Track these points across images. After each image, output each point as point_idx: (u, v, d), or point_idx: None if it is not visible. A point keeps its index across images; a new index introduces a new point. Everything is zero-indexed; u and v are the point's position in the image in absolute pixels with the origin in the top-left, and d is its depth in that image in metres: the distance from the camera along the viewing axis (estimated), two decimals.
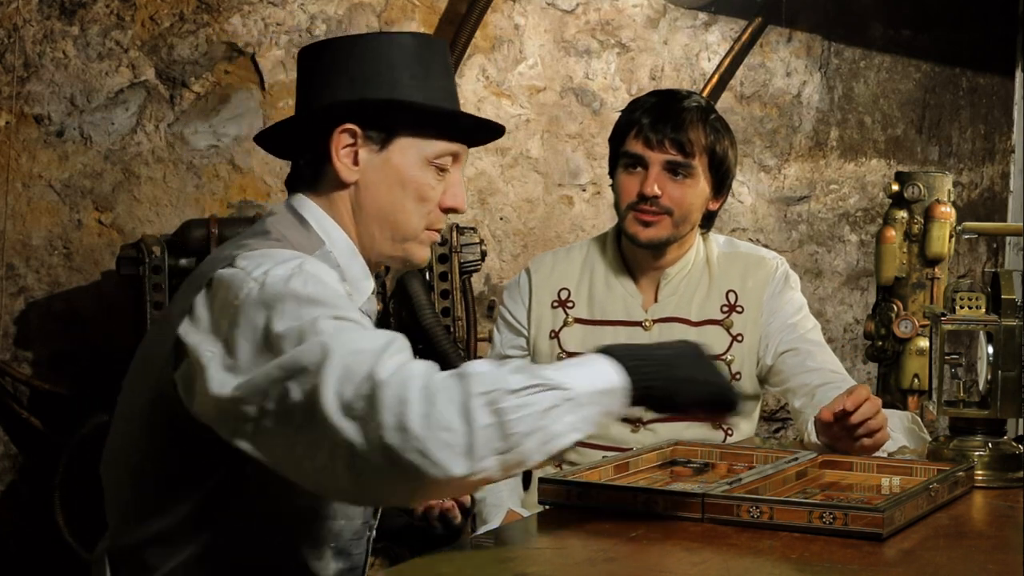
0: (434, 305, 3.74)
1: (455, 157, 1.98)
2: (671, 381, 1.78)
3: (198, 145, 3.90)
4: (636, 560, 1.77)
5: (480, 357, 3.46)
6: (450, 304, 3.78)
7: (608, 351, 1.76)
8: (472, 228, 3.88)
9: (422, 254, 2.01)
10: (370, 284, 1.99)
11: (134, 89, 3.82)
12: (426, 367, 1.67)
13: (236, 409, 1.70)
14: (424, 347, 3.76)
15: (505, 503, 2.73)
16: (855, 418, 2.26)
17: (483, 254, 3.88)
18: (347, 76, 1.92)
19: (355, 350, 1.65)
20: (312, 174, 1.96)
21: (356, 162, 1.93)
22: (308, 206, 1.95)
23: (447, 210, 1.99)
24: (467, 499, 2.25)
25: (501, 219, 4.30)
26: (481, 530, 2.71)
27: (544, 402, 1.64)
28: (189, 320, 1.77)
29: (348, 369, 1.63)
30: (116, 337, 3.73)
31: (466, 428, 1.59)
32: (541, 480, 2.07)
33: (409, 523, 2.27)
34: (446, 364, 3.71)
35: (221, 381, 1.70)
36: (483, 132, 2.05)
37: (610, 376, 1.72)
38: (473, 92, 4.21)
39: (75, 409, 3.71)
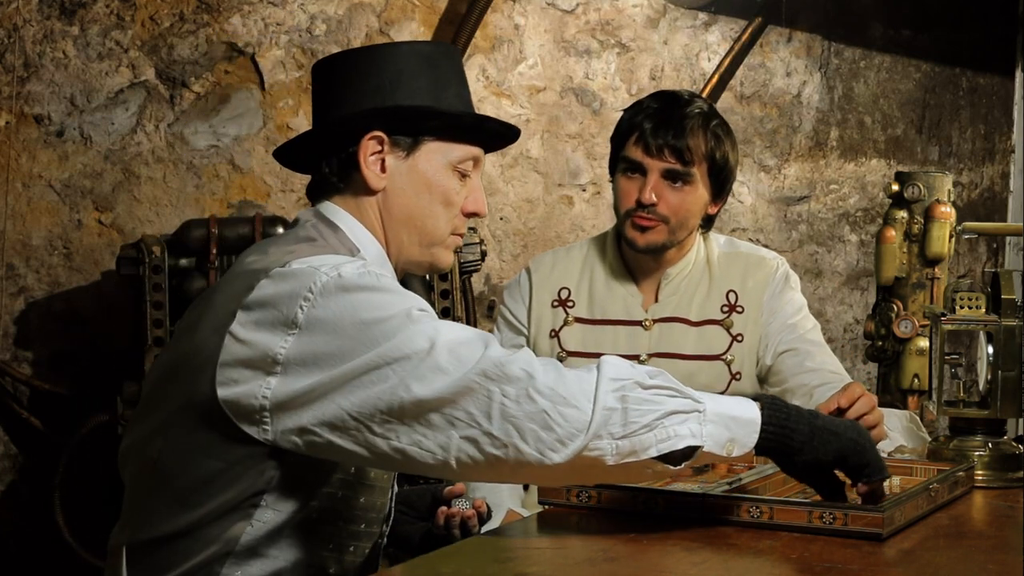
0: (434, 305, 3.74)
1: (475, 162, 2.00)
2: (811, 428, 1.79)
3: (198, 145, 3.90)
4: (636, 560, 1.77)
5: None
6: (450, 304, 3.78)
7: (755, 397, 1.80)
8: (472, 228, 3.88)
9: (448, 259, 2.02)
10: None
11: (134, 89, 3.82)
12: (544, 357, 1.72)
13: (320, 397, 1.70)
14: None
15: (505, 503, 2.73)
16: (850, 415, 2.26)
17: (483, 254, 3.88)
18: (370, 85, 1.93)
19: (459, 338, 1.68)
20: (339, 183, 1.96)
21: (384, 169, 1.94)
22: (339, 213, 1.96)
23: (469, 215, 2.01)
24: (484, 507, 2.26)
25: (501, 219, 4.31)
26: (481, 530, 2.71)
27: (671, 405, 1.69)
28: (247, 316, 1.75)
29: (457, 354, 1.66)
30: (116, 337, 3.72)
31: (590, 406, 1.65)
32: None
33: (429, 530, 2.27)
34: None
35: (299, 373, 1.70)
36: (501, 136, 2.08)
37: (747, 408, 1.76)
38: (473, 92, 4.20)
39: (75, 409, 3.71)
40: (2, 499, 3.79)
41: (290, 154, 2.03)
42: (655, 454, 1.69)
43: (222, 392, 1.75)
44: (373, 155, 1.93)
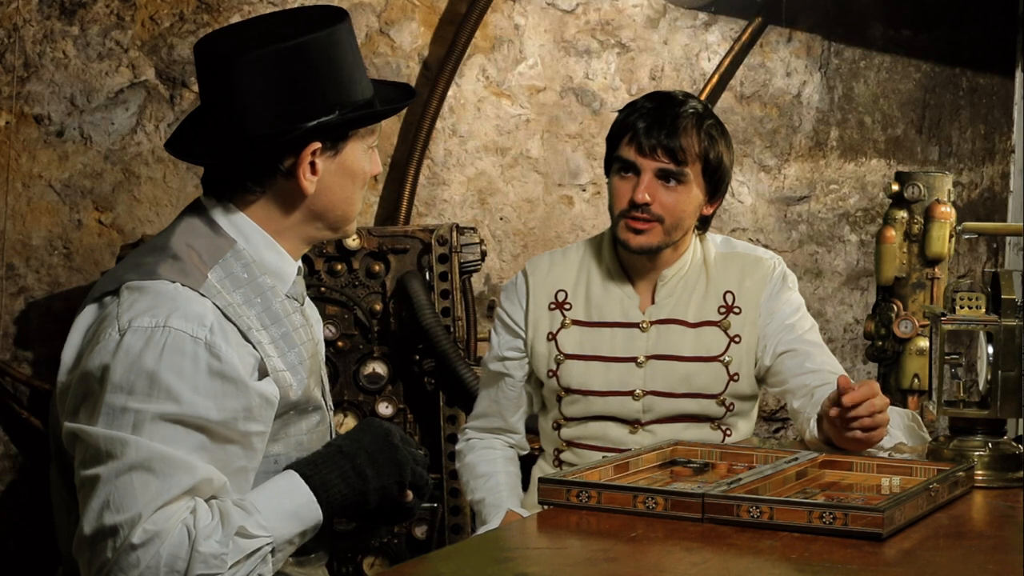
0: (434, 305, 3.74)
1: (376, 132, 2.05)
2: (362, 494, 1.91)
3: None
4: (636, 560, 1.77)
5: (480, 357, 3.46)
6: (450, 304, 3.78)
7: (299, 471, 1.89)
8: (472, 228, 3.88)
9: (354, 228, 2.07)
10: (294, 269, 2.02)
11: (134, 89, 3.83)
12: (173, 551, 1.76)
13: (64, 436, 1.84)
14: (424, 347, 3.77)
15: (505, 503, 2.73)
16: (862, 410, 2.26)
17: (483, 254, 3.88)
18: (285, 96, 1.89)
19: (142, 482, 1.74)
20: (252, 185, 1.95)
21: (315, 172, 1.95)
22: (221, 209, 1.96)
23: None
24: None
25: (501, 219, 4.31)
26: (481, 530, 2.71)
27: (247, 568, 1.79)
28: (71, 338, 1.91)
29: (122, 496, 1.75)
30: None
31: None
32: (541, 480, 2.07)
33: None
34: (446, 364, 3.72)
35: (65, 408, 1.85)
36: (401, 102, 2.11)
37: (301, 497, 1.87)
38: (473, 92, 4.21)
39: None
40: (2, 499, 3.79)
41: (181, 143, 2.01)
42: None
43: None
44: (308, 163, 1.94)
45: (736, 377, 2.73)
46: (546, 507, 2.05)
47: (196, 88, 3.88)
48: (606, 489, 2.01)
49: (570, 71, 4.38)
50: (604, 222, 4.26)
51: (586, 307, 2.79)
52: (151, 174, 3.85)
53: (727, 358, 2.73)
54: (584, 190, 4.41)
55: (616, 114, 2.80)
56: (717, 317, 2.75)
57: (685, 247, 2.77)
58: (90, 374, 1.80)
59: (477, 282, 4.18)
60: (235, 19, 3.91)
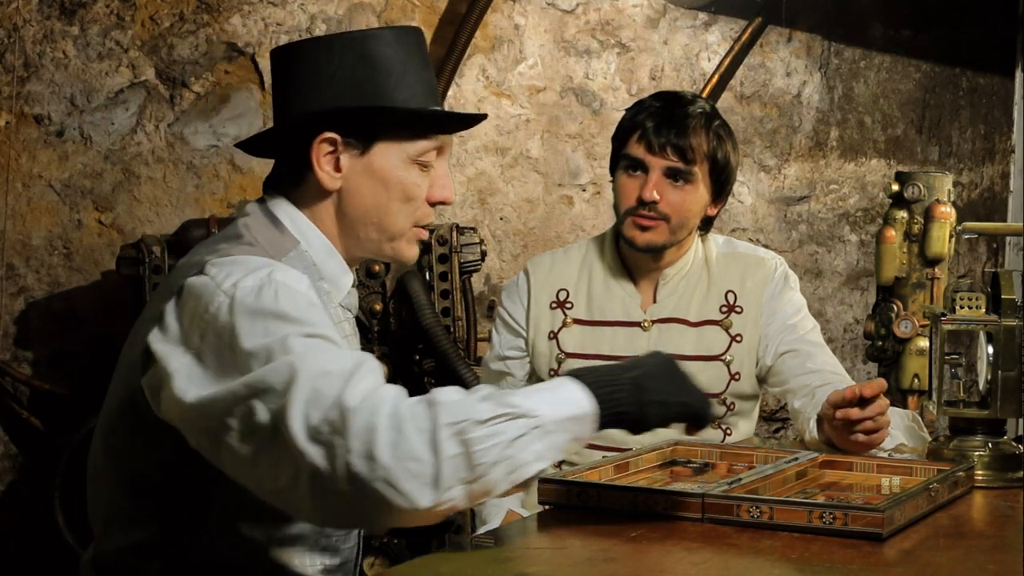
0: (434, 305, 3.74)
1: (439, 151, 1.97)
2: (641, 404, 1.80)
3: (198, 145, 3.90)
4: (636, 560, 1.77)
5: (480, 357, 3.46)
6: (450, 304, 3.78)
7: (578, 376, 1.78)
8: (472, 228, 3.88)
9: (411, 252, 2.00)
10: (349, 280, 1.99)
11: (134, 89, 3.83)
12: (395, 393, 1.66)
13: (200, 420, 1.71)
14: (424, 347, 3.76)
15: (505, 503, 2.73)
16: (868, 412, 2.26)
17: (483, 254, 3.88)
18: (323, 81, 1.90)
19: (324, 372, 1.65)
20: (292, 180, 1.95)
21: (338, 168, 1.91)
22: (283, 206, 1.94)
23: (435, 203, 1.98)
24: None
25: (501, 219, 4.31)
26: (481, 530, 2.71)
27: (512, 431, 1.65)
28: (159, 328, 1.77)
29: (316, 392, 1.64)
30: (116, 337, 3.70)
31: (433, 459, 1.60)
32: (541, 480, 2.07)
33: None
34: (446, 364, 3.72)
35: (186, 392, 1.71)
36: (463, 122, 2.06)
37: (579, 402, 1.74)
38: (473, 92, 4.21)
39: (75, 409, 3.71)
40: (2, 499, 3.79)
41: (256, 142, 2.02)
42: (507, 487, 1.67)
43: (148, 398, 1.78)
44: (326, 155, 1.90)
45: (737, 376, 2.73)
46: (546, 507, 2.05)
47: (196, 88, 3.89)
48: (606, 489, 2.01)
49: (570, 71, 4.38)
50: (604, 222, 4.26)
51: (587, 306, 2.79)
52: (151, 174, 3.85)
53: (728, 357, 2.73)
54: (584, 190, 4.41)
55: (617, 114, 2.80)
56: (719, 316, 2.75)
57: (688, 246, 2.78)
58: (215, 342, 1.71)
59: (477, 282, 4.18)
60: (235, 19, 3.91)
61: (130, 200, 3.83)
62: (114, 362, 1.92)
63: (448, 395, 1.66)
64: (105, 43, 3.78)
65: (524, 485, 1.70)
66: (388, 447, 1.60)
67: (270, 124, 3.96)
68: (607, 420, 1.76)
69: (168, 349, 1.75)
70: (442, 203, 1.98)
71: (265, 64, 3.94)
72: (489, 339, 2.93)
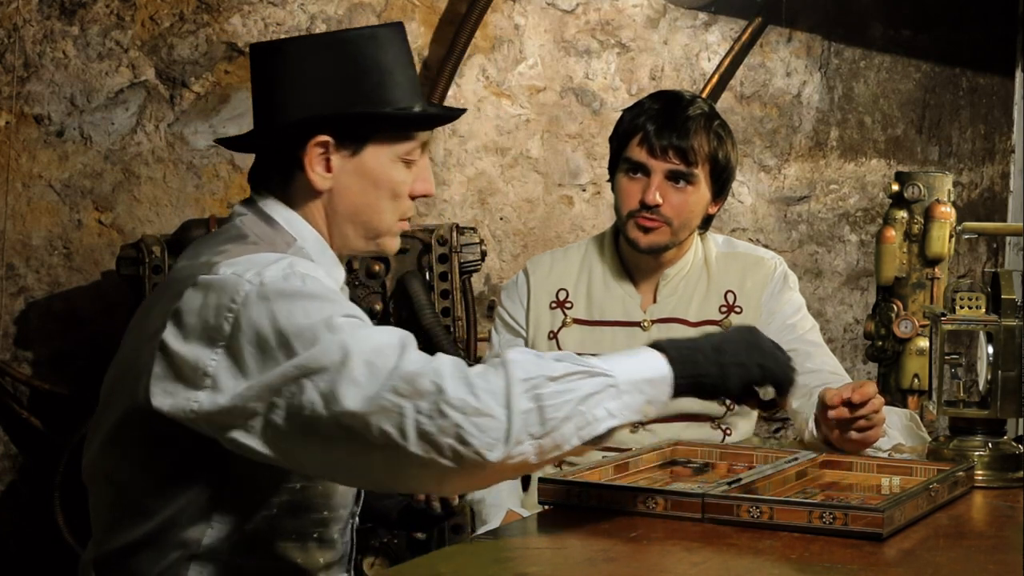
0: (434, 305, 3.74)
1: (423, 147, 1.99)
2: (721, 367, 1.80)
3: (198, 145, 3.90)
4: (636, 560, 1.77)
5: (480, 357, 3.46)
6: (450, 304, 3.78)
7: (656, 344, 1.78)
8: (472, 228, 3.88)
9: (394, 245, 2.02)
10: (342, 273, 2.01)
11: (134, 89, 3.82)
12: (454, 359, 1.69)
13: (244, 408, 1.70)
14: (424, 347, 3.76)
15: (505, 503, 2.73)
16: (863, 411, 2.27)
17: (483, 254, 3.88)
18: (311, 83, 1.90)
19: (375, 347, 1.67)
20: (281, 179, 1.95)
21: (328, 169, 1.92)
22: (275, 206, 1.95)
23: (417, 197, 2.00)
24: None
25: (501, 219, 4.30)
26: (481, 530, 2.71)
27: (585, 388, 1.67)
28: (176, 327, 1.76)
29: (371, 366, 1.65)
30: (116, 337, 3.69)
31: (506, 413, 1.62)
32: (541, 480, 2.07)
33: (408, 504, 2.27)
34: None
35: (224, 385, 1.71)
36: (448, 117, 2.08)
37: (656, 365, 1.75)
38: (473, 92, 4.21)
39: (75, 409, 3.71)
40: (2, 499, 3.79)
41: (237, 141, 2.02)
42: (577, 443, 1.68)
43: (155, 402, 1.76)
44: (318, 157, 1.91)
45: None
46: (546, 507, 2.05)
47: (196, 88, 3.89)
48: (606, 489, 2.01)
49: (570, 71, 4.38)
50: (604, 222, 4.26)
51: (587, 306, 2.79)
52: (151, 174, 3.85)
53: None
54: (584, 190, 4.41)
55: (617, 114, 2.80)
56: (718, 316, 2.75)
57: (688, 246, 2.78)
58: (249, 329, 1.70)
59: (477, 282, 4.18)
60: (235, 19, 3.91)
61: (130, 200, 3.83)
62: None
63: (521, 354, 1.68)
64: (105, 43, 3.78)
65: (595, 442, 1.70)
66: (458, 400, 1.62)
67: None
68: (685, 384, 1.77)
69: (190, 348, 1.74)
70: (424, 196, 2.01)
71: None
72: (489, 339, 2.93)
